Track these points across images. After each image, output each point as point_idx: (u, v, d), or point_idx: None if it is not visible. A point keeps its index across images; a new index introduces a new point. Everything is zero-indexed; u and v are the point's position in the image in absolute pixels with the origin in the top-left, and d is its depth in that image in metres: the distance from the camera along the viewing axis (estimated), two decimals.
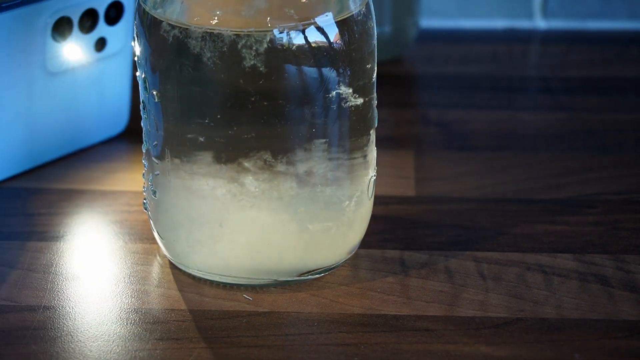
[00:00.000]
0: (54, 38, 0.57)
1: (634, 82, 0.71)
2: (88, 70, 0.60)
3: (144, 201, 0.50)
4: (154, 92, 0.46)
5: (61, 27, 0.57)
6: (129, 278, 0.49)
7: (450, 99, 0.69)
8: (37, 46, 0.57)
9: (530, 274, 0.49)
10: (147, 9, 0.46)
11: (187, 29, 0.44)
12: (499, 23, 0.80)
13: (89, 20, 0.59)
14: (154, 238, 0.51)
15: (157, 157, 0.47)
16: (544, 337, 0.45)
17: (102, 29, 0.59)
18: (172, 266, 0.50)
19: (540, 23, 0.80)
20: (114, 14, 0.60)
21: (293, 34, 0.44)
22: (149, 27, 0.46)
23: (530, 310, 0.47)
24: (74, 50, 0.59)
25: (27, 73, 0.57)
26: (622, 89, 0.70)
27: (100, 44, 0.60)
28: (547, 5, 0.80)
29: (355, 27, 0.46)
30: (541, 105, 0.68)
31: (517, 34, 0.79)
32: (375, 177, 0.50)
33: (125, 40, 0.61)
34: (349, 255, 0.50)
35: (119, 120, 0.63)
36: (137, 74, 0.48)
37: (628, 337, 0.45)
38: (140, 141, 0.49)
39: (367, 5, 0.47)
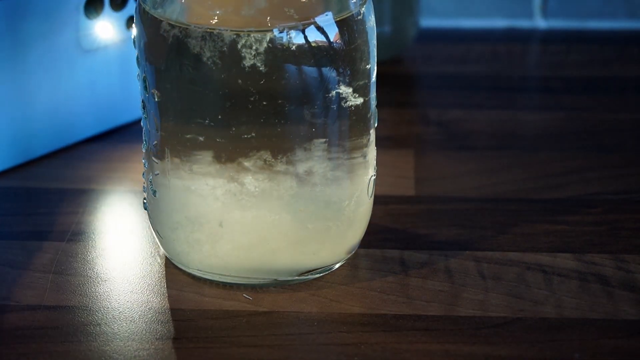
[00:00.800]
0: (87, 15, 0.58)
1: (634, 81, 0.71)
2: (121, 48, 0.61)
3: (144, 201, 0.50)
4: (154, 92, 0.46)
5: (93, 4, 0.59)
6: (129, 278, 0.49)
7: (450, 98, 0.69)
8: (70, 23, 0.58)
9: (530, 274, 0.49)
10: (147, 9, 0.46)
11: (187, 28, 0.44)
12: (498, 23, 0.80)
13: None
14: (154, 238, 0.51)
15: (157, 157, 0.47)
16: (544, 336, 0.45)
17: (132, 6, 0.61)
18: (172, 266, 0.50)
19: (540, 23, 0.80)
20: None
21: (293, 33, 0.44)
22: (148, 26, 0.46)
23: (530, 309, 0.47)
24: (106, 28, 0.60)
25: (61, 50, 0.58)
26: (622, 88, 0.70)
27: (131, 21, 0.61)
28: (547, 4, 0.80)
29: (355, 27, 0.46)
30: (541, 104, 0.68)
31: (517, 34, 0.79)
32: (375, 177, 0.50)
33: None
34: (349, 255, 0.50)
35: None
36: (137, 73, 0.48)
37: (628, 337, 0.45)
38: (140, 141, 0.49)
39: (367, 4, 0.47)
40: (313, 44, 0.44)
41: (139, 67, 0.47)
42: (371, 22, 0.47)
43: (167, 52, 0.45)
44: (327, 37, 0.45)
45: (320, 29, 0.45)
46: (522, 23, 0.80)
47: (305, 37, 0.44)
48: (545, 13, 0.80)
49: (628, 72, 0.72)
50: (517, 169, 0.59)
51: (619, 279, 0.49)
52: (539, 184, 0.58)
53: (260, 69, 0.44)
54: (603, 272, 0.50)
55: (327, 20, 0.45)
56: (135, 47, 0.47)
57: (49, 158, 0.60)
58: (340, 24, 0.45)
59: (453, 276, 0.49)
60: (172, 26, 0.45)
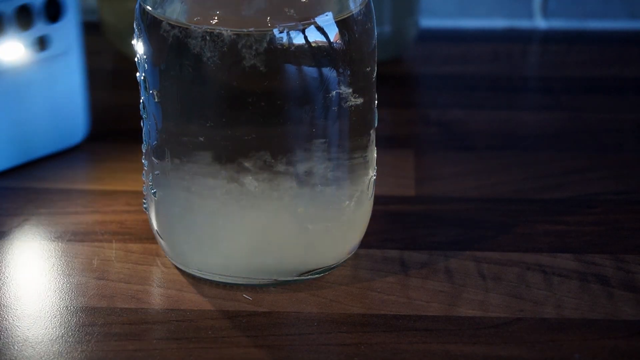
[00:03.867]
0: None
1: (634, 81, 0.71)
2: (32, 72, 0.57)
3: (144, 201, 0.50)
4: (154, 92, 0.46)
5: None
6: (129, 278, 0.49)
7: (450, 98, 0.69)
8: None
9: (530, 274, 0.49)
10: (147, 9, 0.46)
11: (187, 28, 0.44)
12: (499, 23, 0.80)
13: (25, 16, 0.55)
14: (154, 238, 0.51)
15: (157, 157, 0.47)
16: (544, 337, 0.45)
17: (42, 27, 0.57)
18: (172, 266, 0.50)
19: (540, 23, 0.80)
20: (54, 12, 0.57)
21: (293, 33, 0.44)
22: (148, 26, 0.46)
23: (530, 310, 0.47)
24: (11, 49, 0.56)
25: None
26: (622, 88, 0.70)
27: (42, 43, 0.57)
28: (547, 5, 0.80)
29: (355, 27, 0.46)
30: (541, 105, 0.68)
31: (517, 34, 0.79)
32: (375, 177, 0.50)
33: (70, 40, 0.58)
34: (349, 255, 0.50)
35: (73, 131, 0.60)
36: (137, 74, 0.48)
37: (628, 337, 0.45)
38: (140, 141, 0.49)
39: (367, 5, 0.47)
40: (313, 44, 0.44)
41: (139, 68, 0.47)
42: (371, 22, 0.47)
43: (167, 53, 0.45)
44: (327, 37, 0.45)
45: (320, 29, 0.45)
46: (522, 23, 0.80)
47: (305, 38, 0.44)
48: (546, 13, 0.80)
49: (628, 73, 0.72)
50: (517, 169, 0.59)
51: (619, 279, 0.49)
52: (539, 184, 0.58)
53: (261, 69, 0.44)
54: (603, 273, 0.50)
55: (327, 20, 0.45)
56: (134, 47, 0.47)
57: (49, 158, 0.60)
58: (340, 24, 0.45)
59: (453, 276, 0.49)
60: (172, 26, 0.45)
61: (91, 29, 0.77)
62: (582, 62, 0.74)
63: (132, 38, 0.48)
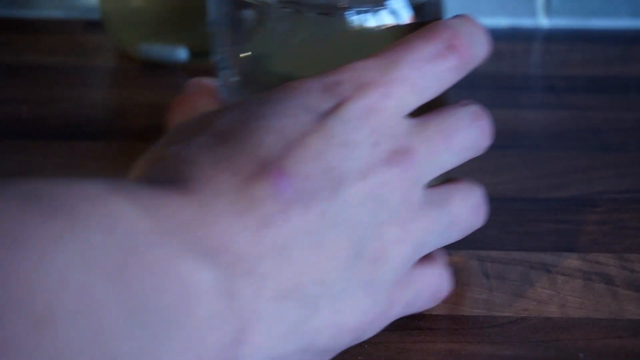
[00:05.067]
0: None
1: (638, 80, 0.71)
2: None
3: None
4: (230, 75, 0.45)
5: None
6: None
7: (453, 97, 0.68)
8: None
9: (534, 273, 0.49)
10: None
11: (266, 7, 0.43)
12: (501, 21, 0.80)
13: None
14: None
15: None
16: (548, 336, 0.45)
17: None
18: None
19: (543, 21, 0.80)
20: None
21: (367, 16, 0.43)
22: (226, 6, 0.45)
23: (534, 309, 0.47)
24: None
25: None
26: (626, 87, 0.70)
27: None
28: (550, 3, 0.80)
29: (427, 13, 0.45)
30: (544, 103, 0.68)
31: (520, 33, 0.79)
32: None
33: None
34: None
35: None
36: (212, 55, 0.46)
37: (633, 337, 0.45)
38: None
39: None
40: (386, 28, 0.44)
41: (216, 51, 0.46)
42: (440, 9, 0.47)
43: (244, 33, 0.44)
44: (400, 21, 0.44)
45: (394, 13, 0.44)
46: (525, 22, 0.80)
47: (379, 21, 0.44)
48: (549, 11, 0.80)
49: (632, 71, 0.72)
50: (520, 168, 0.59)
51: (624, 278, 0.49)
52: (542, 182, 0.58)
53: (340, 50, 0.43)
54: (607, 272, 0.49)
55: (401, 3, 0.44)
56: (211, 29, 0.46)
57: (49, 157, 0.60)
58: (415, 9, 0.45)
59: (456, 275, 0.49)
60: (251, 5, 0.43)
61: (93, 27, 0.77)
62: (585, 61, 0.74)
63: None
